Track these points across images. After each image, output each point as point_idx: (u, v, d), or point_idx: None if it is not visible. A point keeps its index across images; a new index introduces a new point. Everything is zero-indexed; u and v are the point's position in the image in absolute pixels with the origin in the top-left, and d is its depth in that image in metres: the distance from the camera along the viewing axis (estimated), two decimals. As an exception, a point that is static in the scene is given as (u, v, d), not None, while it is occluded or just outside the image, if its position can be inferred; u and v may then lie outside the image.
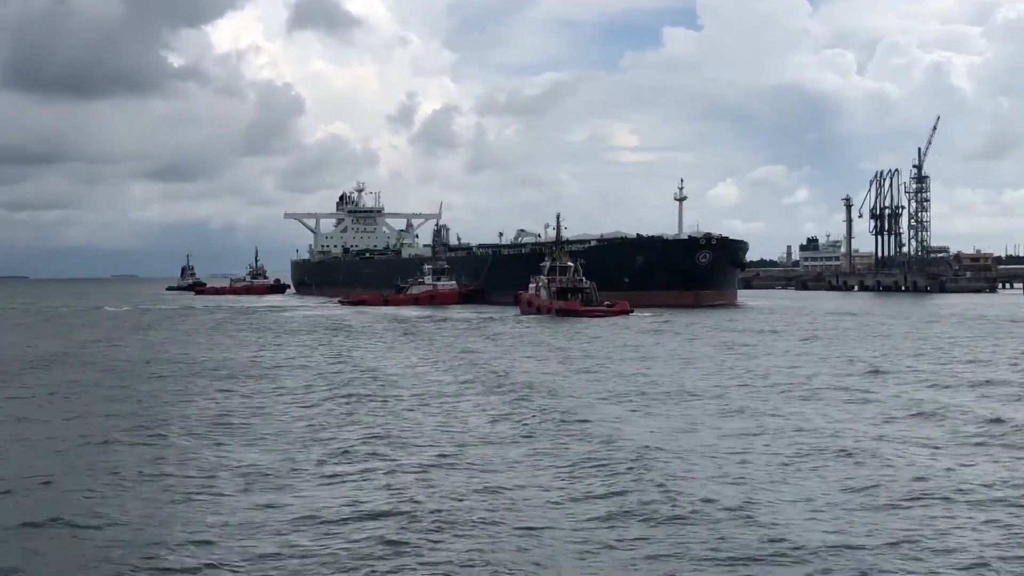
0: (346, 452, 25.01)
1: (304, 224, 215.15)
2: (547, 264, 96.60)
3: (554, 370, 45.04)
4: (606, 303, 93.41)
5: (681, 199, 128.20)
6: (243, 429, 28.91)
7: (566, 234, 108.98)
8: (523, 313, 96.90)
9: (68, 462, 23.93)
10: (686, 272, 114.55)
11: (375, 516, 18.57)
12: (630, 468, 22.40)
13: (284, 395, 37.15)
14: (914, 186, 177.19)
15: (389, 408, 33.06)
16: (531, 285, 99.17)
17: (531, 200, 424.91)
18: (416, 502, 19.47)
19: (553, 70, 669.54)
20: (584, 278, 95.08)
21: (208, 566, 15.83)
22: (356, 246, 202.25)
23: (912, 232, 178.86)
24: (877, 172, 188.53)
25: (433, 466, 23.05)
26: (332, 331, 77.63)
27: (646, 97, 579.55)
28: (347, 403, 34.40)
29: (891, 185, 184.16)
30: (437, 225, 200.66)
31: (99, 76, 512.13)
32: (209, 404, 34.48)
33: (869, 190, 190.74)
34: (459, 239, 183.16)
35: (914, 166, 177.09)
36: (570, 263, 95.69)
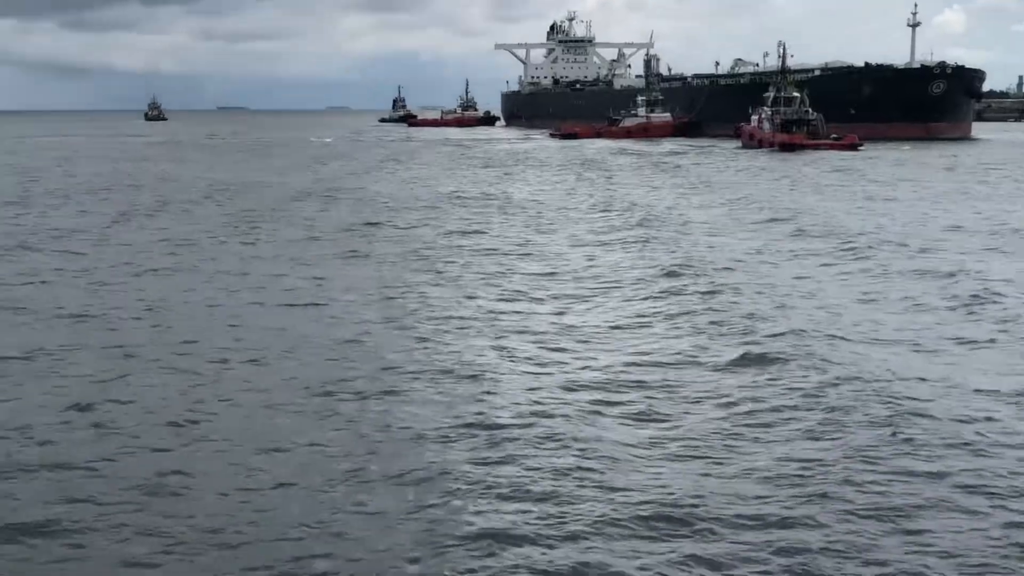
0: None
1: (514, 55, 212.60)
2: (771, 95, 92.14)
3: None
4: (832, 136, 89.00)
5: (914, 25, 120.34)
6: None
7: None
8: (744, 146, 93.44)
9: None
10: (918, 103, 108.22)
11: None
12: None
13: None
14: None
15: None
16: (753, 117, 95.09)
17: (744, 28, 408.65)
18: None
19: None
20: (810, 110, 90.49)
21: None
22: (566, 77, 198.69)
23: None
24: None
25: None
26: (581, 165, 76.40)
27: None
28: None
29: None
30: (647, 55, 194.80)
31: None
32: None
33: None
34: (670, 69, 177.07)
35: None
36: (796, 93, 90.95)
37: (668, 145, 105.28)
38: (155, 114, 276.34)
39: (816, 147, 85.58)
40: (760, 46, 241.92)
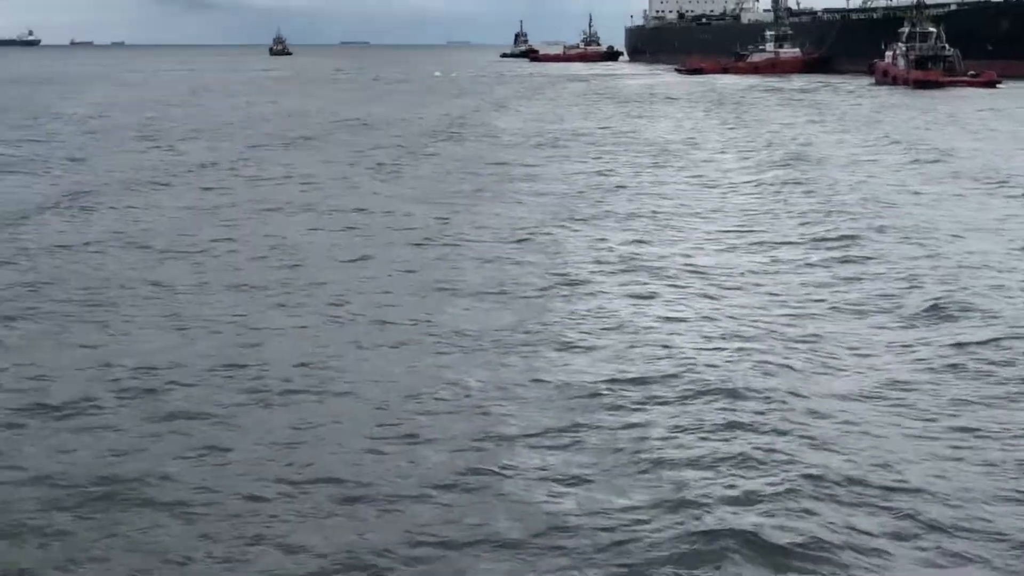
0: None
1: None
2: (905, 30, 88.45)
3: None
4: (970, 73, 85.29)
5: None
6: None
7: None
8: (877, 83, 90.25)
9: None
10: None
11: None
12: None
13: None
14: None
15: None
16: (887, 53, 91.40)
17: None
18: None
19: None
20: (946, 45, 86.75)
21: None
22: (692, 11, 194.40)
23: None
24: None
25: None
26: (710, 101, 74.77)
27: None
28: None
29: None
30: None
31: None
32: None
33: None
34: (798, 3, 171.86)
35: None
36: (932, 28, 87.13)
37: (798, 81, 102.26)
38: (279, 49, 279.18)
39: (952, 84, 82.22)
40: None
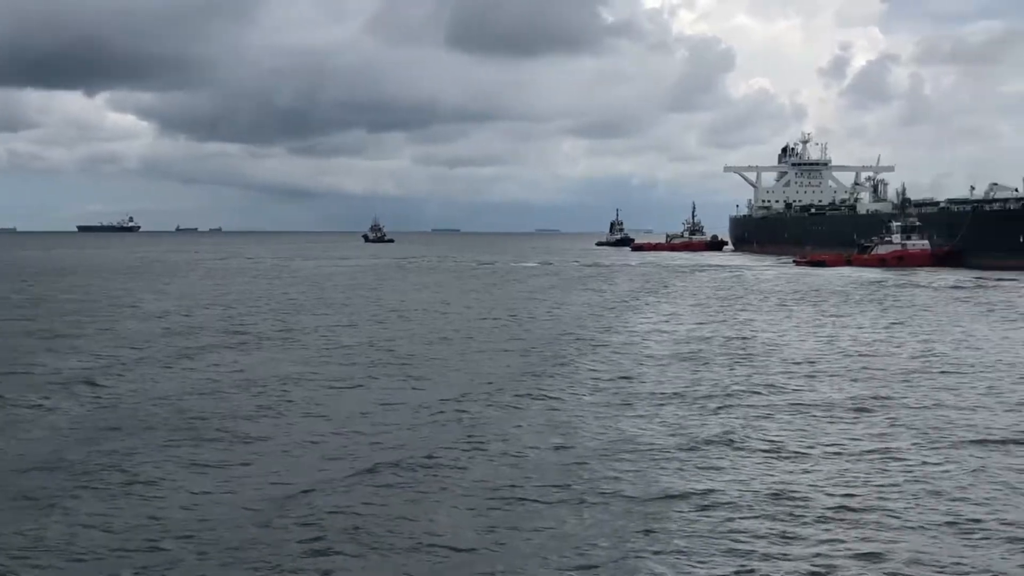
0: None
1: (744, 177, 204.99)
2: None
3: None
4: None
5: None
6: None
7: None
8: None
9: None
10: None
11: None
12: None
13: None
14: None
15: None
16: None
17: (966, 155, 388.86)
18: None
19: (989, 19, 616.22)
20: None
21: None
22: (799, 201, 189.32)
23: None
24: None
25: None
26: (870, 302, 67.18)
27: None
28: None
29: None
30: (874, 179, 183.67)
31: (536, 35, 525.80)
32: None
33: None
34: (899, 194, 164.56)
35: None
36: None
37: (949, 276, 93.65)
38: (377, 236, 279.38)
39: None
40: (984, 175, 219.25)
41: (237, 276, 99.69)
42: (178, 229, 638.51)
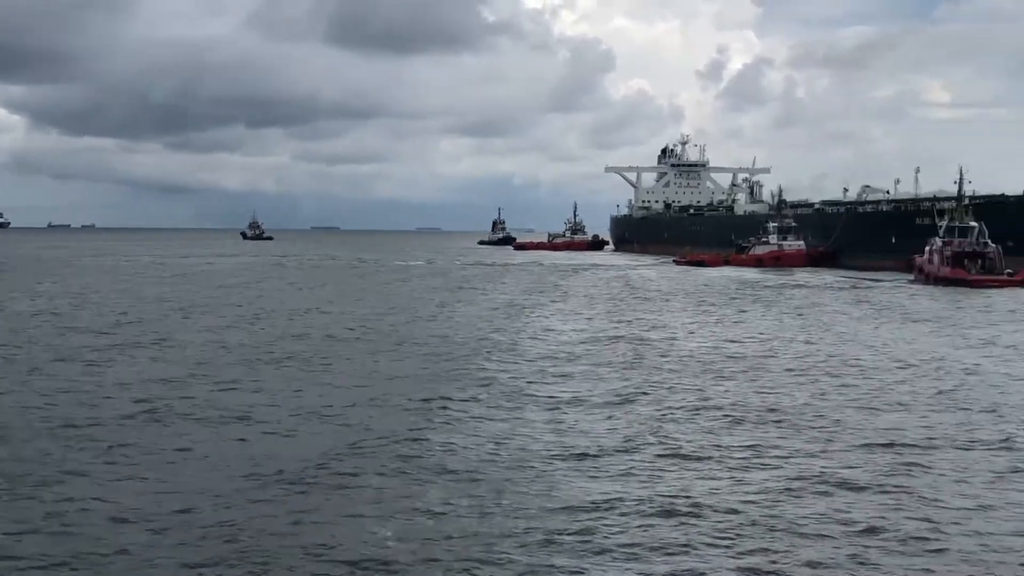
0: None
1: (624, 177, 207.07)
2: (943, 224, 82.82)
3: None
4: (1007, 271, 79.28)
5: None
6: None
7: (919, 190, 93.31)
8: (915, 280, 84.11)
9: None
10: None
11: None
12: None
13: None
14: None
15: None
16: (927, 248, 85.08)
17: (839, 158, 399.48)
18: None
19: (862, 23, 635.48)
20: (989, 241, 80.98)
21: None
22: (679, 201, 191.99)
23: None
24: None
25: None
26: (744, 299, 68.05)
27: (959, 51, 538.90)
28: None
29: None
30: (750, 181, 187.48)
31: (417, 32, 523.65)
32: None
33: None
34: (774, 196, 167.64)
35: None
36: (973, 223, 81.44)
37: (827, 276, 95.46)
38: (256, 233, 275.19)
39: (983, 284, 75.99)
40: (859, 177, 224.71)
41: (111, 274, 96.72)
42: (50, 225, 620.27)
